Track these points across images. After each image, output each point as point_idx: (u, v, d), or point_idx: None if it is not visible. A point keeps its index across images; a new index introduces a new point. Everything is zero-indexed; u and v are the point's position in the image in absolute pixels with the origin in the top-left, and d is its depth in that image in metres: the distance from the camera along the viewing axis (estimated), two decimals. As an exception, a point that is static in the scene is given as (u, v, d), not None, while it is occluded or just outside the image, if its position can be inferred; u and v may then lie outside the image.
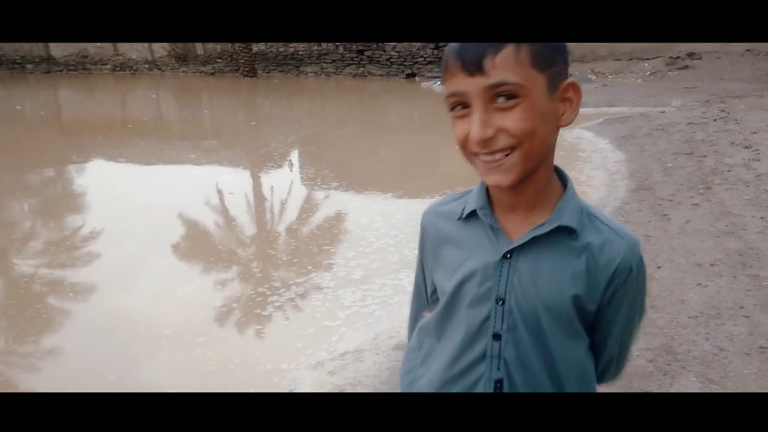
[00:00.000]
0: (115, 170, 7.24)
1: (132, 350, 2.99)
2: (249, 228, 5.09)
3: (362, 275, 3.78)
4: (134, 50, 19.07)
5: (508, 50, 0.72)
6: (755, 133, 6.25)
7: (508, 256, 0.82)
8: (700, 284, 3.02)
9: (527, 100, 0.73)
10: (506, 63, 0.72)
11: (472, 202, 0.86)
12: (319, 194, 5.87)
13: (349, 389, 2.42)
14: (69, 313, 3.49)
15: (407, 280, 3.66)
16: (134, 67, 19.19)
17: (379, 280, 3.69)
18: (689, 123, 7.16)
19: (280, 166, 7.21)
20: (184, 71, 18.81)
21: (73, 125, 10.87)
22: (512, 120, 0.73)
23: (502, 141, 0.74)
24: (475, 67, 0.73)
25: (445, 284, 0.89)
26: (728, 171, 5.06)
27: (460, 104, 0.77)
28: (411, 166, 6.99)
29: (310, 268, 3.98)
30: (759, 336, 2.52)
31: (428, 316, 0.97)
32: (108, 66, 19.26)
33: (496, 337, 0.84)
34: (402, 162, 7.29)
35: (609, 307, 0.84)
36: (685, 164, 5.45)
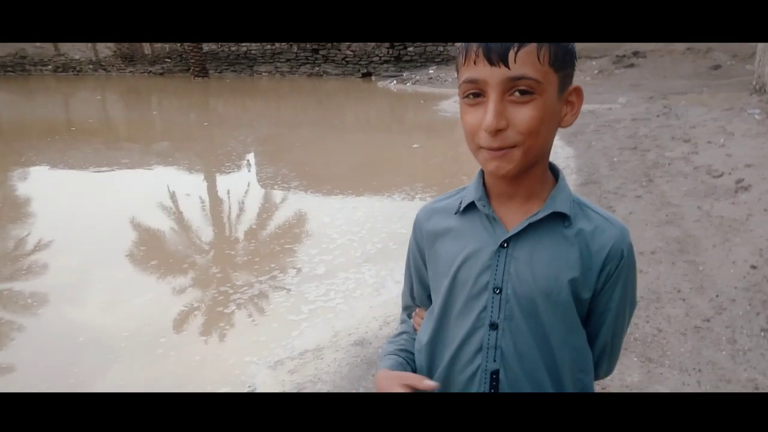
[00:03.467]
0: (61, 176, 6.96)
1: (88, 359, 2.92)
2: (209, 230, 5.02)
3: (325, 270, 3.82)
4: (77, 50, 18.33)
5: (531, 47, 0.75)
6: (694, 127, 6.63)
7: (505, 245, 0.85)
8: (641, 271, 3.21)
9: (541, 97, 0.76)
10: (528, 58, 0.75)
11: (470, 195, 0.89)
12: (280, 194, 5.85)
13: (309, 386, 2.46)
14: (19, 328, 3.35)
15: (369, 274, 3.73)
16: (77, 68, 18.43)
17: (342, 274, 3.75)
18: (634, 119, 7.53)
19: (237, 168, 7.12)
20: (131, 71, 18.21)
21: (12, 129, 10.35)
22: (523, 115, 0.76)
23: (510, 137, 0.77)
24: (498, 58, 0.75)
25: (442, 279, 0.90)
26: (669, 164, 5.37)
27: (473, 92, 0.79)
28: (370, 165, 7.05)
29: (273, 266, 3.98)
30: (694, 317, 2.73)
31: (422, 325, 0.97)
32: (49, 67, 18.42)
33: (493, 326, 0.85)
34: (361, 161, 7.34)
35: (602, 295, 0.86)
36: (629, 159, 5.75)
